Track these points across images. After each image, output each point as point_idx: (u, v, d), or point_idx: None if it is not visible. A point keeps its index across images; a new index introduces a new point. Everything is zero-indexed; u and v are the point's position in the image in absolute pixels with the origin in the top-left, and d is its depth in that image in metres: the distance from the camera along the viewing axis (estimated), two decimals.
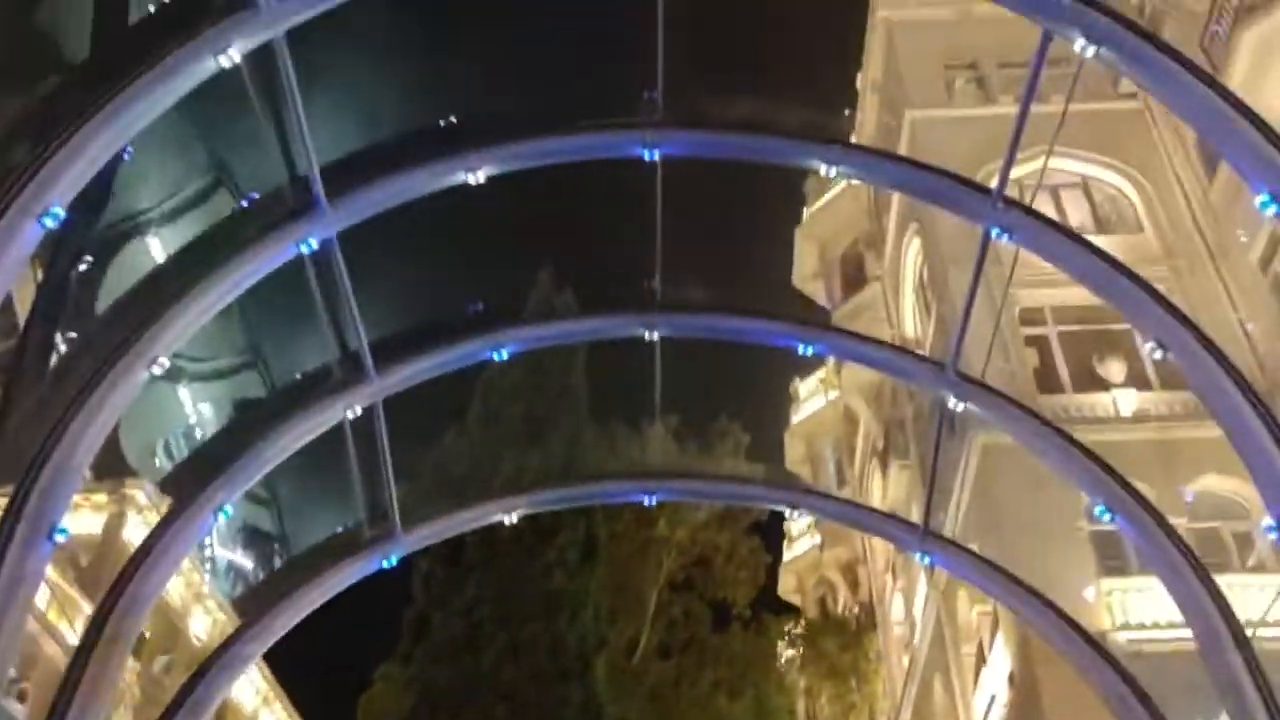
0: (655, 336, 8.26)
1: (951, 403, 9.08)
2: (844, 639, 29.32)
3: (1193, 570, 7.74)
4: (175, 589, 39.98)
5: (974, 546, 18.90)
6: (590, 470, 17.42)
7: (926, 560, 10.95)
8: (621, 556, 27.78)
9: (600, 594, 16.68)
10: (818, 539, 39.37)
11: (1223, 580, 10.97)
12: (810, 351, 8.81)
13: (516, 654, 13.99)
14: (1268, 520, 8.76)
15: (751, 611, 28.61)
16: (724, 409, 29.41)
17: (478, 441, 16.80)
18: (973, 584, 11.42)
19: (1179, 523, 18.23)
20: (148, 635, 38.32)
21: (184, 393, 43.48)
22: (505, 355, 8.22)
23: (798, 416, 38.81)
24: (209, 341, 39.20)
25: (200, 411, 43.97)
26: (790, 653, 30.32)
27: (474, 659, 13.92)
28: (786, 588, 42.50)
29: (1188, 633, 16.65)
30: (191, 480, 7.73)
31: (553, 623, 14.54)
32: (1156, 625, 16.48)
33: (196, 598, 42.44)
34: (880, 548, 31.34)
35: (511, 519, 9.91)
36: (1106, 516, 8.71)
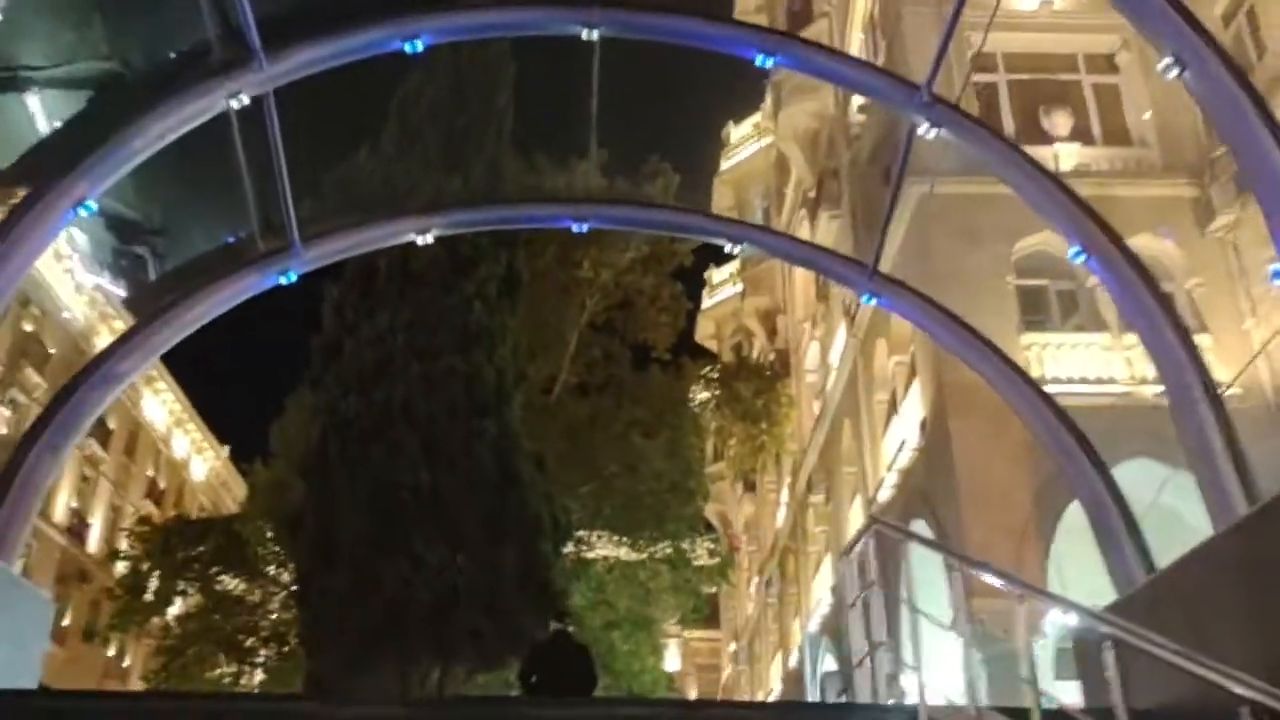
0: (594, 36, 7.19)
1: (924, 128, 8.28)
2: (758, 383, 29.73)
3: (1168, 322, 7.32)
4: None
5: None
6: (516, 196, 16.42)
7: (872, 301, 10.47)
8: (543, 295, 27.27)
9: (520, 331, 16.05)
10: (739, 287, 39.46)
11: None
12: (771, 63, 7.81)
13: (430, 386, 13.46)
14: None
15: (670, 355, 28.56)
16: (654, 150, 28.20)
17: (392, 160, 15.60)
18: (919, 325, 11.10)
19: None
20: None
21: (34, 103, 39.71)
22: (420, 47, 7.10)
23: (728, 163, 37.84)
24: (64, 45, 35.84)
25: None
26: (704, 395, 30.69)
27: (386, 389, 13.36)
28: (704, 334, 42.95)
29: (1106, 388, 17.06)
30: (50, 171, 6.70)
31: (470, 356, 13.95)
32: (1071, 380, 16.67)
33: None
34: (800, 297, 31.38)
35: (427, 239, 9.02)
36: (1081, 259, 8.19)
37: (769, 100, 31.26)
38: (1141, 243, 17.81)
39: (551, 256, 26.63)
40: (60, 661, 38.25)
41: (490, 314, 14.68)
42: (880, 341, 20.88)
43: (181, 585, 23.16)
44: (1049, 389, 16.85)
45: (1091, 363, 16.89)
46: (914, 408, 18.72)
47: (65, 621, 38.92)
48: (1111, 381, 16.69)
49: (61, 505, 39.90)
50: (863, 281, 10.16)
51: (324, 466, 13.34)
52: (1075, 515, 16.00)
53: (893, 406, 20.61)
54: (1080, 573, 16.18)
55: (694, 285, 37.91)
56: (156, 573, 22.68)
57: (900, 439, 19.25)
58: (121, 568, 24.16)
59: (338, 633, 12.53)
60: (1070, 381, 16.65)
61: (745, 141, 37.16)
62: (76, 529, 41.32)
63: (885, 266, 19.91)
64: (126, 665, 44.42)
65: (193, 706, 7.58)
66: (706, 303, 42.50)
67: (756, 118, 36.43)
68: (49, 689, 9.11)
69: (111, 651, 42.85)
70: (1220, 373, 16.18)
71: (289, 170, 7.91)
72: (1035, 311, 17.96)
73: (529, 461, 14.61)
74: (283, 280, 8.34)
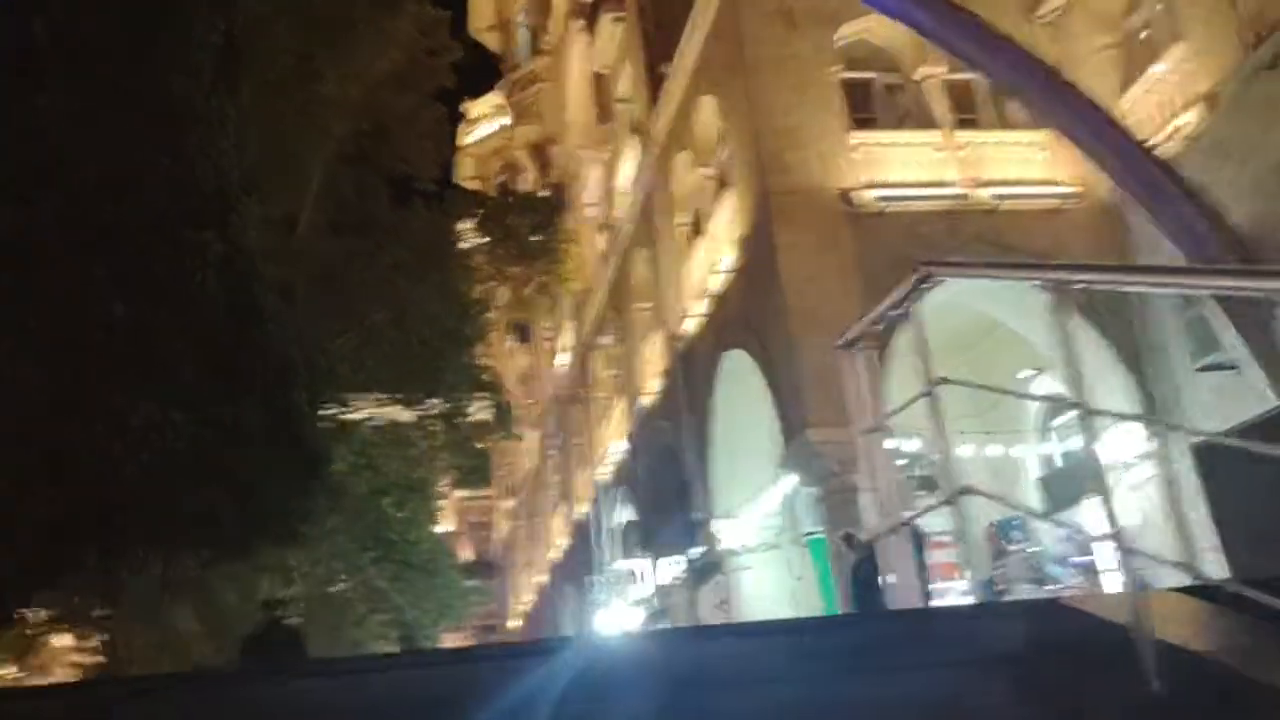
0: None
1: None
2: (534, 217, 26.75)
3: None
4: None
5: (719, 87, 16.21)
6: None
7: None
8: (278, 116, 22.93)
9: (248, 122, 12.35)
10: (503, 121, 36.00)
11: None
12: None
13: (120, 189, 9.75)
14: None
15: (435, 187, 25.02)
16: None
17: None
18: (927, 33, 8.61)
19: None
20: None
21: None
22: None
23: None
24: None
25: None
26: (474, 237, 27.47)
27: (56, 196, 9.55)
28: (464, 174, 39.32)
29: (940, 191, 15.36)
30: None
31: (175, 149, 10.27)
32: (904, 184, 14.84)
33: None
34: (579, 121, 28.42)
35: None
36: None
37: None
38: None
39: (286, 68, 22.31)
40: None
41: (204, 96, 10.94)
42: (681, 155, 18.42)
43: None
44: (878, 194, 15.10)
45: (923, 164, 15.08)
46: (725, 225, 16.49)
47: None
48: (945, 184, 14.96)
49: None
50: None
51: None
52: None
53: (697, 229, 18.34)
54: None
55: (450, 120, 34.11)
56: None
57: (708, 263, 17.05)
58: None
59: (13, 526, 9.08)
60: (903, 186, 14.81)
61: None
62: None
63: (691, 57, 17.40)
64: None
65: None
66: (466, 139, 38.77)
67: None
68: None
69: None
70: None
71: None
72: (862, 108, 15.93)
73: (270, 291, 11.25)
74: None
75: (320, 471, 11.42)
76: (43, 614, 15.84)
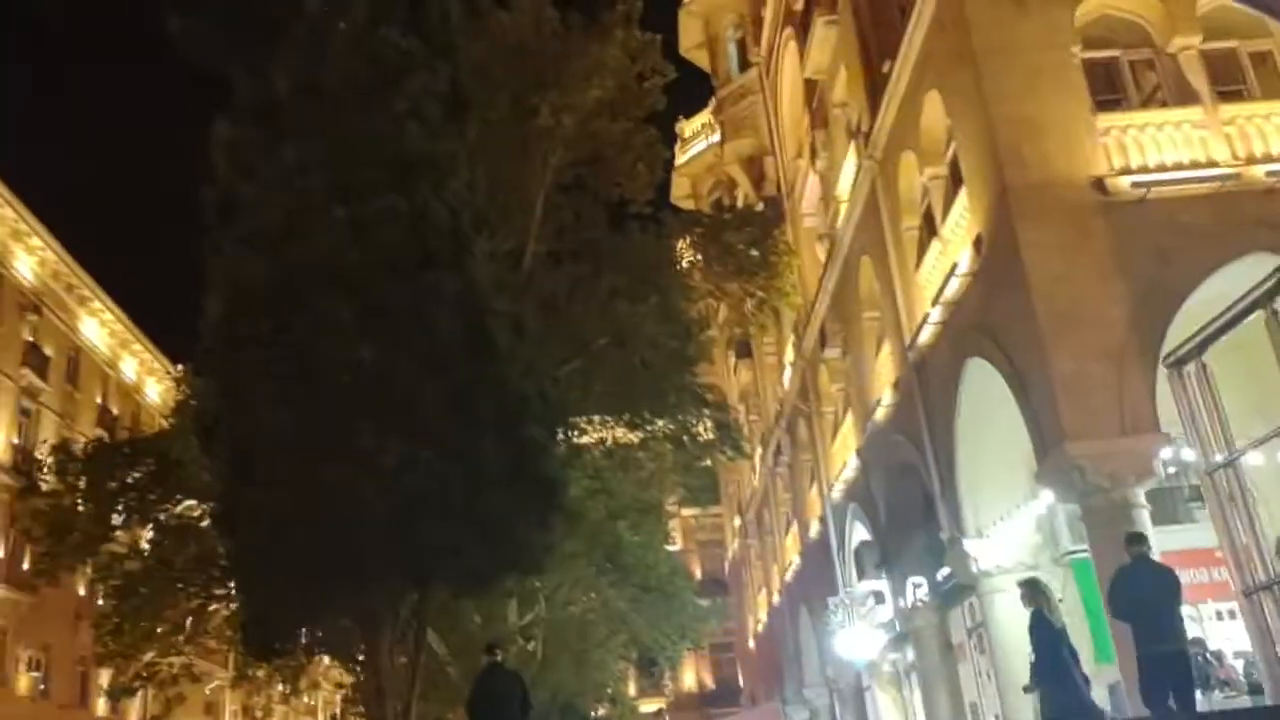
0: None
1: None
2: (752, 231, 26.33)
3: None
4: None
5: (945, 80, 15.35)
6: None
7: None
8: (500, 155, 23.64)
9: (475, 162, 12.56)
10: (715, 137, 35.79)
11: None
12: None
13: (361, 235, 10.09)
14: None
15: (650, 209, 25.05)
16: None
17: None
18: None
19: None
20: None
21: None
22: None
23: None
24: None
25: None
26: (691, 256, 27.32)
27: (302, 244, 9.97)
28: (680, 194, 39.39)
29: (1205, 173, 13.90)
30: None
31: (410, 192, 10.53)
32: (1163, 168, 13.47)
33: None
34: (791, 131, 27.85)
35: None
36: None
37: None
38: None
39: (504, 107, 22.93)
40: (26, 608, 35.60)
41: (433, 138, 11.19)
42: (906, 156, 17.53)
43: (117, 519, 20.11)
44: (1135, 180, 13.79)
45: (1184, 144, 13.65)
46: (960, 226, 15.53)
47: (25, 566, 35.94)
48: (1211, 165, 13.47)
49: (1, 440, 36.47)
50: None
51: (232, 353, 10.05)
52: (1182, 327, 13.09)
53: (928, 231, 17.41)
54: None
55: (667, 139, 34.20)
56: (87, 506, 19.56)
57: (942, 267, 16.11)
58: (43, 505, 20.97)
59: (274, 564, 9.46)
60: (1161, 169, 13.44)
61: None
62: (23, 467, 37.96)
63: (912, 52, 16.58)
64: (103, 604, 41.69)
65: None
66: (680, 159, 38.79)
67: None
68: None
69: (82, 591, 40.02)
70: None
71: None
72: (1108, 89, 14.65)
73: (505, 325, 11.34)
74: None
75: (558, 503, 11.38)
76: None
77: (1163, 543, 12.49)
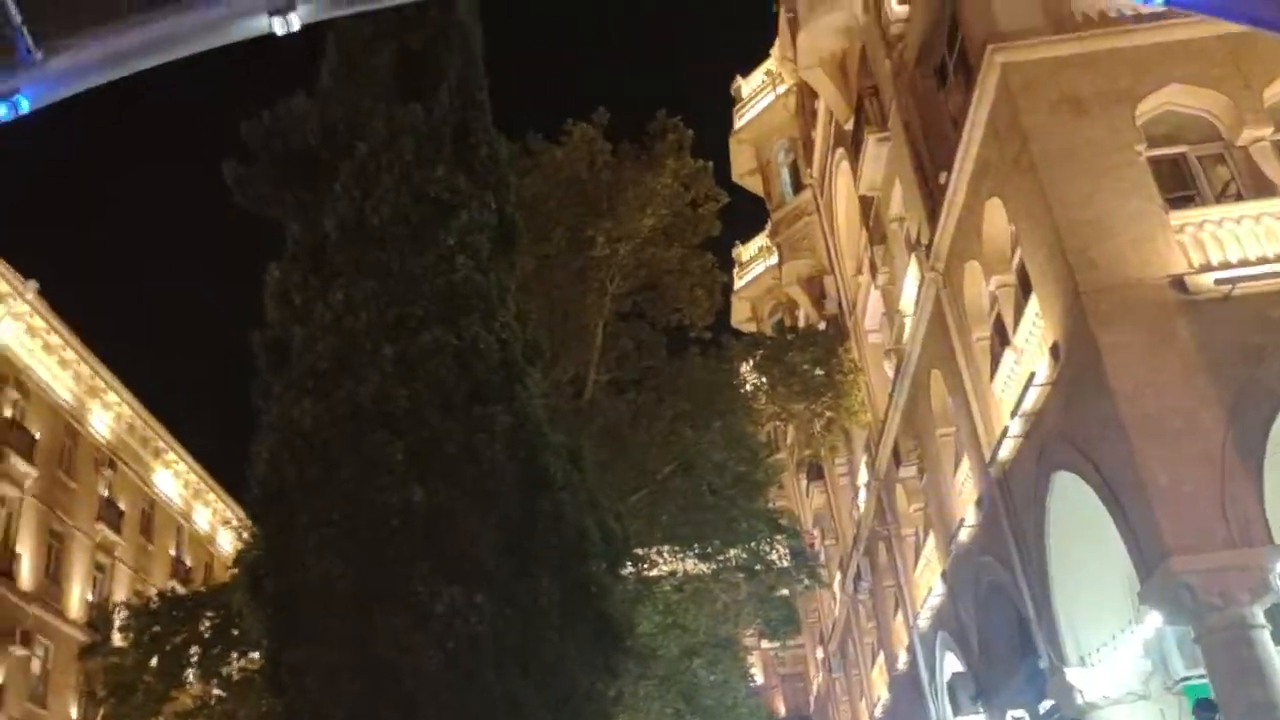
0: None
1: None
2: (814, 351, 25.84)
3: None
4: None
5: (1005, 188, 14.96)
6: None
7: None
8: (557, 286, 23.73)
9: (529, 293, 12.36)
10: (773, 259, 35.74)
11: None
12: None
13: (410, 371, 9.81)
14: None
15: (710, 334, 24.78)
16: (657, 109, 24.54)
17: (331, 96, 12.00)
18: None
19: None
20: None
21: None
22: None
23: (742, 120, 34.15)
24: None
25: None
26: (756, 379, 26.85)
27: (351, 384, 9.71)
28: (740, 317, 39.22)
29: None
30: None
31: (459, 326, 10.29)
32: (1245, 262, 12.81)
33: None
34: (848, 249, 27.60)
35: (290, 27, 5.45)
36: None
37: (784, 33, 27.54)
38: None
39: (561, 239, 23.08)
40: None
41: (480, 270, 11.01)
42: (970, 265, 17.06)
43: (184, 673, 19.68)
44: (1218, 277, 13.12)
45: (1266, 237, 12.99)
46: (1034, 334, 14.90)
47: None
48: None
49: (76, 597, 36.57)
50: None
51: (279, 499, 9.72)
52: None
53: (999, 341, 16.78)
54: None
55: (725, 264, 34.20)
56: (153, 661, 19.18)
57: (1018, 377, 15.42)
58: (106, 664, 20.63)
59: None
60: (1244, 264, 12.77)
61: (759, 94, 33.44)
62: (98, 623, 37.97)
63: (969, 162, 16.26)
64: None
65: None
66: (739, 283, 38.77)
67: (769, 65, 32.75)
68: None
69: None
70: None
71: None
72: (1177, 186, 14.13)
73: (560, 457, 10.89)
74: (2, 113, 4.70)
75: (624, 645, 10.69)
76: None
77: None
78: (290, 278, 11.18)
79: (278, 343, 10.98)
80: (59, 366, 36.24)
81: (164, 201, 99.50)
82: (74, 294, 73.73)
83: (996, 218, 15.63)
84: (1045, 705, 16.47)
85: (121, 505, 39.98)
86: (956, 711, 21.13)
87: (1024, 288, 15.34)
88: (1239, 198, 13.82)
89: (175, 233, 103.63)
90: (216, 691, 20.36)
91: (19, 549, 33.27)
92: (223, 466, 48.16)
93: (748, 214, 36.93)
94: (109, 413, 39.28)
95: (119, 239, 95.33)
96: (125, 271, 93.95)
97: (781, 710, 50.91)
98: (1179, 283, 12.55)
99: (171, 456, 43.89)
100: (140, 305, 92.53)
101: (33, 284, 33.78)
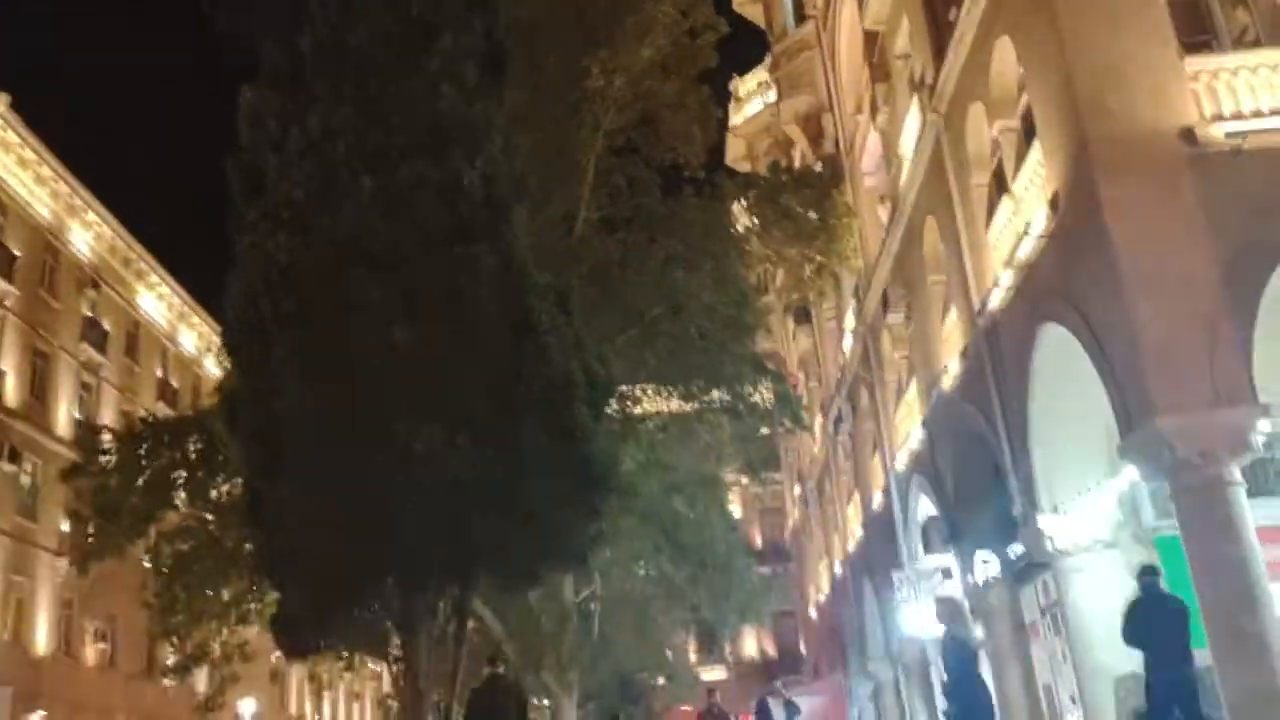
0: None
1: None
2: (809, 193, 25.31)
3: None
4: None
5: (1017, 27, 14.29)
6: None
7: None
8: (549, 118, 22.94)
9: (517, 126, 11.85)
10: (772, 95, 34.61)
11: None
12: None
13: (392, 205, 9.44)
14: None
15: (704, 172, 24.14)
16: None
17: None
18: None
19: None
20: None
21: None
22: None
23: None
24: None
25: None
26: (748, 220, 26.37)
27: (329, 217, 9.35)
28: (735, 155, 38.29)
29: None
30: None
31: (444, 159, 9.87)
32: (1259, 114, 12.33)
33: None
34: (850, 85, 26.70)
35: None
36: None
37: None
38: None
39: (554, 69, 22.14)
40: (91, 581, 35.98)
41: (468, 100, 10.49)
42: (974, 108, 16.46)
43: (171, 495, 19.97)
44: (1230, 129, 12.67)
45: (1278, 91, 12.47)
46: (1034, 183, 14.49)
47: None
48: None
49: (63, 416, 36.81)
50: None
51: (257, 334, 9.51)
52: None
53: (998, 188, 16.36)
54: None
55: (721, 98, 33.10)
56: (134, 486, 19.39)
57: (1016, 226, 15.09)
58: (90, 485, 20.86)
59: (304, 562, 8.94)
60: (1257, 116, 12.29)
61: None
62: (86, 442, 38.36)
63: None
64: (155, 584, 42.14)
65: None
66: (736, 119, 37.66)
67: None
68: None
69: (147, 563, 40.49)
70: None
71: None
72: (1195, 29, 13.48)
73: (546, 299, 10.66)
74: None
75: (608, 485, 10.73)
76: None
77: (1256, 518, 11.60)
78: (264, 100, 10.64)
79: (252, 169, 10.55)
80: (35, 183, 35.40)
81: (141, 21, 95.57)
82: (51, 112, 71.49)
83: (1006, 57, 14.98)
84: (1014, 550, 16.85)
85: (106, 325, 39.85)
86: (928, 550, 21.73)
87: (1028, 134, 14.84)
88: (1257, 44, 13.21)
89: (153, 56, 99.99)
90: (204, 515, 20.71)
91: (3, 366, 33.25)
92: (209, 291, 47.87)
93: (747, 47, 35.53)
94: (89, 232, 38.66)
95: (96, 59, 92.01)
96: (103, 92, 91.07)
97: (758, 543, 52.49)
98: (1189, 134, 12.10)
99: (154, 279, 43.51)
100: (120, 128, 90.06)
101: (4, 96, 32.63)
